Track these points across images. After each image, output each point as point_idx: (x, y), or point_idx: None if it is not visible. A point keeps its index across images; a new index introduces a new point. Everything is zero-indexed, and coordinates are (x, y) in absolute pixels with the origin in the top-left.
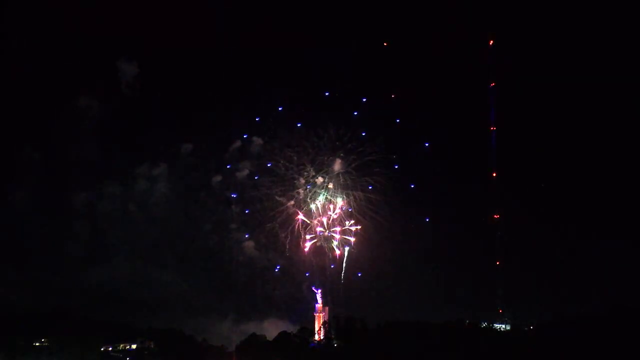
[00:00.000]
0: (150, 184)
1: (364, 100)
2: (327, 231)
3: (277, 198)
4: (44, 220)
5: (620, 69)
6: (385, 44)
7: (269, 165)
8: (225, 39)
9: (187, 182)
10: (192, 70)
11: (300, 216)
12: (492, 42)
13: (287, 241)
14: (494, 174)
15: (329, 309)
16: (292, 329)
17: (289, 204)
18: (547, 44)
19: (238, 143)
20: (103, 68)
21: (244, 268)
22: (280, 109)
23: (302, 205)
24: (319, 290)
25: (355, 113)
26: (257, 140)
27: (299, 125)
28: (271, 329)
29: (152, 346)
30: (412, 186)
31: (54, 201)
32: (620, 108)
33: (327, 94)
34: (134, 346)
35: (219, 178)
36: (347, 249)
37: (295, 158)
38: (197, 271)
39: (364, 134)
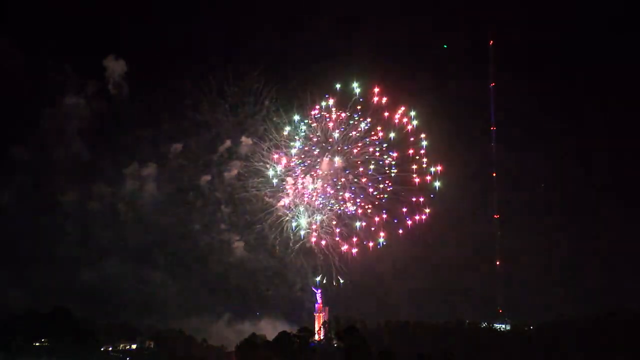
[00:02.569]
0: (140, 184)
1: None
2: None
3: (267, 199)
4: (33, 221)
5: (621, 69)
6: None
7: (257, 165)
8: (216, 38)
9: (176, 182)
10: (181, 70)
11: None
12: (492, 42)
13: (277, 242)
14: (494, 174)
15: (329, 309)
16: (287, 328)
17: (278, 205)
18: (547, 43)
19: (227, 144)
20: (92, 68)
21: (235, 269)
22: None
23: (292, 205)
24: (319, 290)
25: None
26: (246, 141)
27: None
28: (267, 329)
29: (152, 346)
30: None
31: (43, 201)
32: (620, 107)
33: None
34: (134, 346)
35: (207, 178)
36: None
37: (283, 159)
38: (189, 272)
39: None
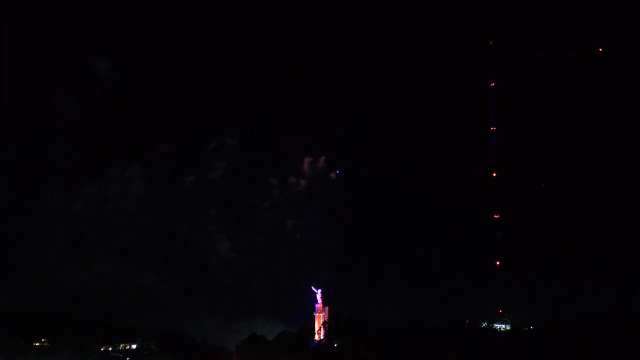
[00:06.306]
0: (127, 185)
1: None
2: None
3: (254, 200)
4: (22, 222)
5: (620, 69)
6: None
7: (244, 166)
8: (204, 38)
9: (163, 183)
10: (169, 69)
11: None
12: (492, 42)
13: (266, 242)
14: (494, 174)
15: (328, 309)
16: (285, 328)
17: (264, 205)
18: (547, 44)
19: (214, 144)
20: (78, 68)
21: (225, 269)
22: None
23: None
24: (319, 290)
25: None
26: (232, 141)
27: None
28: (265, 329)
29: (152, 346)
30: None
31: (31, 202)
32: (620, 107)
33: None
34: (134, 346)
35: (194, 179)
36: None
37: (269, 159)
38: (180, 272)
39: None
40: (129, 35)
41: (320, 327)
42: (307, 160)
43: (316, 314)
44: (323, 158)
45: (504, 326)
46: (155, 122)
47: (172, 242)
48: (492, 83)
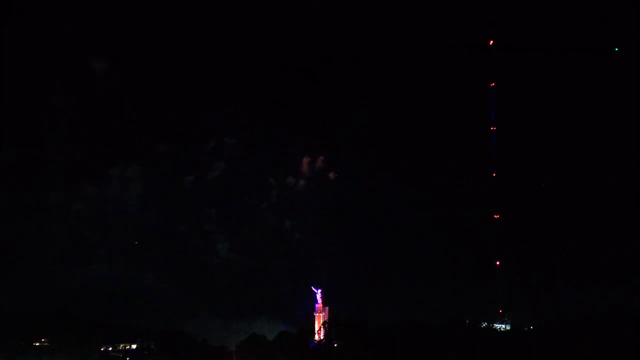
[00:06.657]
0: (127, 185)
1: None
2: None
3: (253, 200)
4: (21, 222)
5: (620, 69)
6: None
7: (242, 166)
8: (204, 38)
9: (163, 183)
10: (168, 69)
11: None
12: (492, 42)
13: (265, 242)
14: (494, 174)
15: (328, 309)
16: (285, 328)
17: (264, 205)
18: (547, 44)
19: (213, 144)
20: (78, 68)
21: (225, 269)
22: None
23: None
24: (319, 290)
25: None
26: (232, 141)
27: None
28: (264, 329)
29: (152, 346)
30: None
31: (31, 202)
32: (620, 107)
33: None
34: (134, 346)
35: (193, 179)
36: None
37: (269, 159)
38: (179, 272)
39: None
40: (128, 35)
41: (320, 327)
42: (306, 160)
43: (316, 314)
44: (322, 158)
45: (504, 326)
46: (155, 122)
47: (172, 242)
48: (492, 83)
